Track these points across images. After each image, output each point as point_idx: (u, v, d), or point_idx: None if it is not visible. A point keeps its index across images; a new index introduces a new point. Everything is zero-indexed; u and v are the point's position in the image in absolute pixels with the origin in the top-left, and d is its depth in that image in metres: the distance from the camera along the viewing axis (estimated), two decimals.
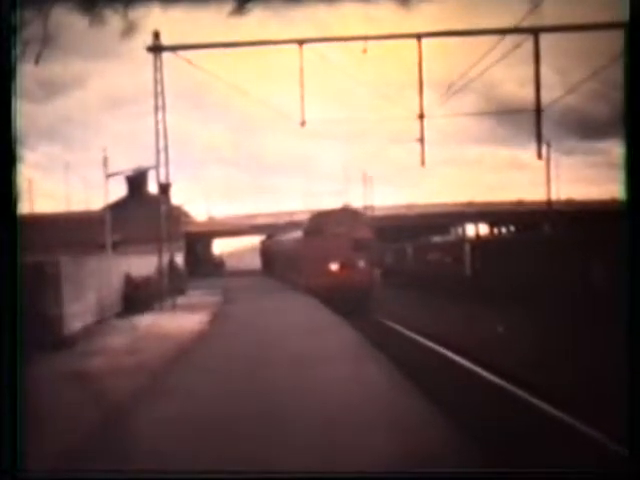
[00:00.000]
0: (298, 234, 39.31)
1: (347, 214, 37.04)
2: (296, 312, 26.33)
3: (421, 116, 28.33)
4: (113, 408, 10.91)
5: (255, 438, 8.96)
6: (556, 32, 28.76)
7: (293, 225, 51.19)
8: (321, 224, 35.86)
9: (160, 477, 7.62)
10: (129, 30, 16.34)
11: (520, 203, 65.18)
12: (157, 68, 28.42)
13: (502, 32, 27.23)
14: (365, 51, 27.29)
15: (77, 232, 38.99)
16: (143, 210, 37.98)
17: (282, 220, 63.33)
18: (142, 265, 29.09)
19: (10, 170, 7.39)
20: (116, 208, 40.88)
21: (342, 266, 34.65)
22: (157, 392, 12.13)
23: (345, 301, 31.24)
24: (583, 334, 20.73)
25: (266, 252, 67.08)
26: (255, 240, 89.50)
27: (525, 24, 26.16)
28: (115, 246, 35.14)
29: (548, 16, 25.98)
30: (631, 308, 6.93)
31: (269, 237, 65.77)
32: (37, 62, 20.45)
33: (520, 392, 14.37)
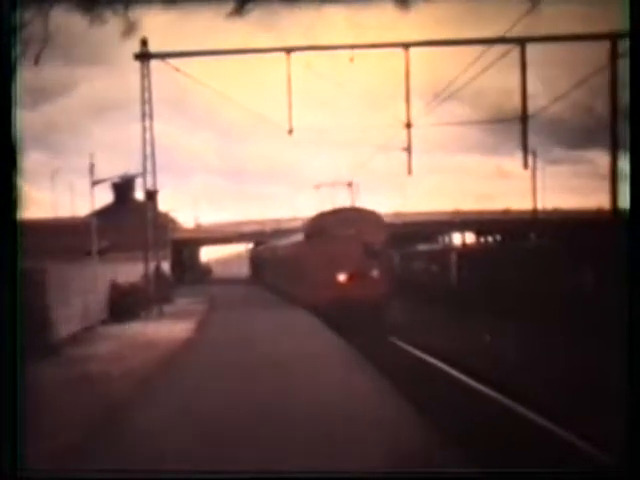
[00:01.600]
0: (297, 238, 33.87)
1: (357, 213, 30.74)
2: (293, 339, 20.27)
3: (408, 125, 28.40)
4: (99, 416, 10.85)
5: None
6: (542, 42, 28.93)
7: (280, 232, 51.16)
8: (326, 225, 29.70)
9: (160, 477, 7.65)
10: (129, 31, 16.36)
11: (506, 212, 65.41)
12: (144, 75, 28.39)
13: (489, 42, 27.34)
14: (352, 60, 27.35)
15: (63, 239, 38.83)
16: (130, 217, 37.91)
17: (269, 227, 63.32)
18: (129, 272, 29.00)
19: (10, 173, 7.39)
20: (103, 215, 40.83)
21: (351, 276, 28.76)
22: (141, 402, 12.07)
23: (354, 319, 26.52)
24: (570, 341, 20.83)
25: (257, 259, 63.75)
26: (242, 247, 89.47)
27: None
28: (102, 253, 35.05)
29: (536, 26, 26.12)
30: (630, 315, 6.96)
31: (260, 243, 64.15)
32: (37, 62, 20.49)
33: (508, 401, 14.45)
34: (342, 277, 28.79)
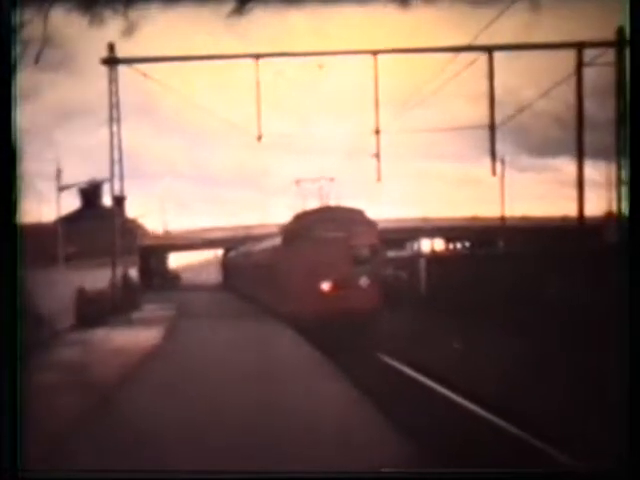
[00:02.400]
0: (275, 242, 29.81)
1: (344, 213, 26.80)
2: (268, 352, 19.03)
3: (377, 131, 28.50)
4: (63, 424, 10.71)
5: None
6: (510, 50, 29.19)
7: (250, 239, 50.96)
8: (308, 226, 26.01)
9: (160, 477, 7.62)
10: (129, 31, 16.28)
11: (475, 219, 65.72)
12: (112, 80, 28.22)
13: (457, 50, 27.54)
14: (321, 67, 27.43)
15: (28, 245, 38.34)
16: (97, 223, 37.56)
17: (239, 233, 63.05)
18: (96, 279, 28.74)
19: (10, 176, 7.36)
20: (69, 221, 40.40)
21: (337, 285, 25.26)
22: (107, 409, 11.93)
23: (339, 334, 23.46)
24: (537, 346, 20.99)
25: (230, 265, 60.62)
26: (211, 254, 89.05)
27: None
28: (68, 259, 34.70)
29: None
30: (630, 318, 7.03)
31: (232, 248, 63.06)
32: (37, 62, 20.38)
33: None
34: (326, 286, 25.32)
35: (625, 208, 29.53)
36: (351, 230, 25.66)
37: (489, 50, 27.77)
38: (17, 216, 7.60)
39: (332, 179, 36.45)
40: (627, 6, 7.30)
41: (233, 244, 62.16)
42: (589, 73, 29.11)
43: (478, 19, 23.17)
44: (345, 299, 24.76)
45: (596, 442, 11.09)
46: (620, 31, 28.44)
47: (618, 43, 28.53)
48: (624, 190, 29.49)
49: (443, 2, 15.95)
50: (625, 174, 29.43)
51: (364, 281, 25.53)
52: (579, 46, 28.67)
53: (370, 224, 26.60)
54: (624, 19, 7.32)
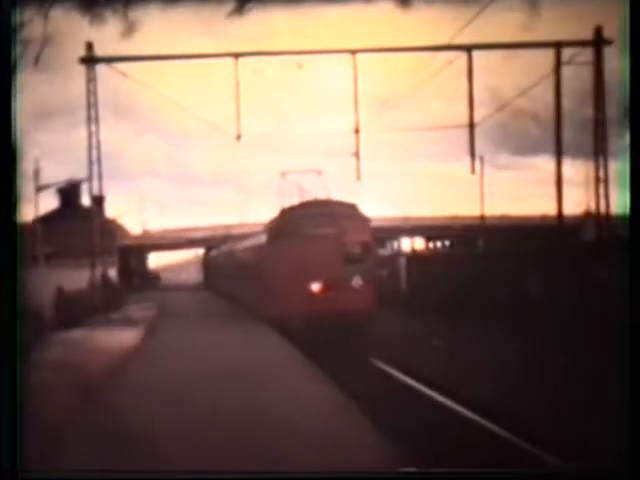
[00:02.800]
0: (259, 239, 27.99)
1: (335, 207, 24.66)
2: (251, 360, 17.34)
3: (357, 131, 28.53)
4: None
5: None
6: (489, 49, 29.31)
7: (230, 238, 50.85)
8: (296, 222, 24.01)
9: (160, 477, 7.61)
10: (129, 31, 16.22)
11: (455, 218, 65.96)
12: (90, 79, 28.06)
13: (436, 49, 27.63)
14: (300, 66, 27.43)
15: None
16: (76, 223, 37.36)
17: (219, 233, 62.91)
18: (75, 279, 28.58)
19: (10, 175, 7.35)
20: (48, 221, 40.11)
21: (328, 286, 23.35)
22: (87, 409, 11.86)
23: (330, 339, 21.66)
24: (518, 344, 21.13)
25: (211, 264, 59.09)
26: (191, 253, 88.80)
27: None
28: (47, 259, 34.46)
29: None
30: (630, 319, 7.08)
31: (213, 247, 62.24)
32: (37, 62, 20.30)
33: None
34: (316, 287, 23.42)
35: (605, 206, 29.79)
36: (342, 226, 23.70)
37: (468, 49, 27.88)
38: (17, 215, 7.62)
39: (319, 172, 34.01)
40: (627, 6, 7.35)
41: (213, 243, 62.04)
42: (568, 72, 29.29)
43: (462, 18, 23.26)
44: (336, 301, 22.86)
45: (578, 439, 11.23)
46: (598, 30, 28.65)
47: (596, 42, 28.73)
48: (602, 188, 29.70)
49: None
50: (603, 172, 29.66)
51: (357, 281, 23.57)
52: (557, 45, 28.82)
53: (363, 219, 24.74)
54: (623, 19, 7.36)
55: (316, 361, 17.42)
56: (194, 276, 77.43)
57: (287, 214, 25.13)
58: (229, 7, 12.97)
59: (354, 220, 24.25)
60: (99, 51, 27.84)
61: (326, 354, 18.88)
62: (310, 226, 23.75)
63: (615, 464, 7.31)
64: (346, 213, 24.27)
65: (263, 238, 26.48)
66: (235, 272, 36.94)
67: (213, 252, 58.93)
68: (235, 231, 54.84)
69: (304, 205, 25.51)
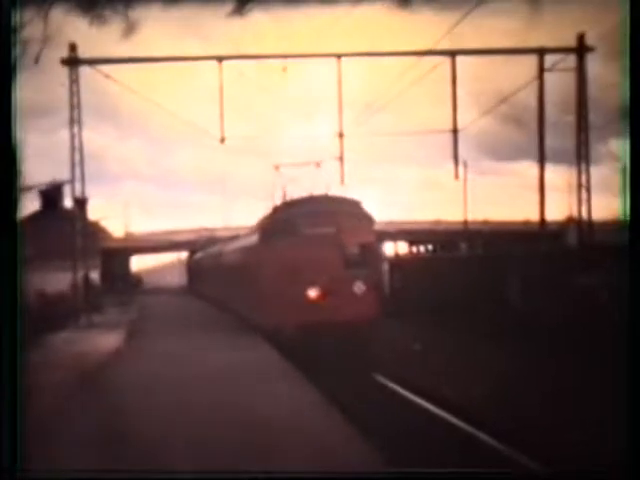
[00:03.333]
0: (250, 240, 25.52)
1: (336, 204, 22.36)
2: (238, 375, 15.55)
3: (340, 135, 28.54)
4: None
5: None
6: (472, 55, 29.42)
7: (213, 241, 50.71)
8: (292, 220, 21.64)
9: (160, 477, 7.65)
10: (129, 31, 16.17)
11: (438, 222, 66.17)
12: (73, 81, 27.92)
13: (420, 54, 27.69)
14: (285, 69, 27.42)
15: None
16: (58, 225, 37.18)
17: (202, 236, 62.78)
18: (56, 281, 28.42)
19: (10, 174, 7.33)
20: (29, 222, 39.90)
21: (327, 292, 20.97)
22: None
23: (329, 352, 19.72)
24: (498, 347, 21.24)
25: (196, 268, 56.02)
26: (174, 256, 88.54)
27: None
28: (28, 261, 34.26)
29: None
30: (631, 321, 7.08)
31: (196, 250, 59.82)
32: (37, 62, 20.22)
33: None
34: (313, 293, 21.06)
35: (587, 212, 29.97)
36: (343, 225, 21.33)
37: (452, 54, 27.98)
38: (17, 214, 7.62)
39: (318, 164, 30.90)
40: (627, 6, 7.39)
41: (196, 246, 61.87)
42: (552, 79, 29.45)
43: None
44: (336, 309, 20.54)
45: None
46: (580, 37, 28.84)
47: (579, 49, 28.91)
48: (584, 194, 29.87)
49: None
50: (585, 178, 29.83)
51: (359, 287, 21.13)
52: (540, 52, 28.99)
53: (366, 218, 22.32)
54: (623, 19, 7.39)
55: (313, 379, 15.26)
56: (177, 279, 77.11)
57: (281, 211, 22.60)
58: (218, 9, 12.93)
59: (356, 219, 21.83)
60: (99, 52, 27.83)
61: (326, 371, 17.18)
62: (307, 225, 21.38)
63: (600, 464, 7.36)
64: (347, 211, 21.93)
65: (254, 238, 24.07)
66: (222, 276, 34.62)
67: (198, 254, 56.10)
68: (219, 234, 54.78)
69: (300, 201, 22.73)
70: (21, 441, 7.22)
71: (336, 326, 20.26)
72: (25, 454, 7.99)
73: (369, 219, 22.31)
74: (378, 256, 24.51)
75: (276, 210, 23.09)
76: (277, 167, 32.51)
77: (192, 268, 61.65)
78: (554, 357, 18.77)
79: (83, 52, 27.70)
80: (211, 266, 40.99)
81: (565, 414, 13.22)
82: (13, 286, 7.38)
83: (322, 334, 20.14)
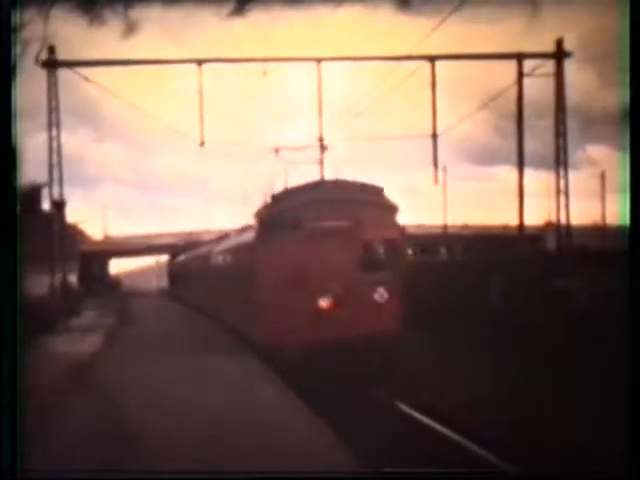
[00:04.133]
0: (245, 237, 21.42)
1: (352, 191, 17.81)
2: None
3: (320, 139, 28.52)
4: None
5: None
6: (452, 59, 29.52)
7: (192, 245, 50.51)
8: (296, 213, 17.31)
9: (160, 477, 7.67)
10: (129, 31, 16.12)
11: (418, 227, 66.39)
12: (51, 83, 27.75)
13: (399, 59, 27.75)
14: (265, 73, 27.38)
15: None
16: (36, 228, 36.91)
17: (181, 240, 62.62)
18: (33, 284, 28.17)
19: (10, 174, 7.31)
20: None
21: (340, 301, 16.82)
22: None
23: (342, 377, 15.90)
24: (480, 352, 21.30)
25: (178, 271, 51.43)
26: (152, 260, 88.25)
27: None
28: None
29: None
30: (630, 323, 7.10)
31: (177, 254, 57.71)
32: (37, 61, 20.03)
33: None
34: (324, 303, 16.90)
35: (566, 217, 30.14)
36: (361, 217, 17.09)
37: (431, 59, 28.04)
38: (17, 214, 7.61)
39: (326, 147, 26.45)
40: (627, 6, 7.43)
41: (176, 250, 61.63)
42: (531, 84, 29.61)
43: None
44: (352, 322, 16.50)
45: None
46: (559, 43, 29.02)
47: (557, 54, 29.08)
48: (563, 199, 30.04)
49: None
50: (563, 183, 30.00)
51: (381, 294, 17.18)
52: (519, 57, 29.14)
53: (389, 208, 18.09)
54: (623, 18, 7.43)
55: (323, 413, 12.20)
56: (155, 283, 76.84)
57: (284, 200, 17.95)
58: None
59: (377, 209, 17.57)
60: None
61: (338, 401, 14.15)
62: (316, 217, 17.08)
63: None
64: (366, 199, 17.54)
65: (250, 235, 19.91)
66: (210, 280, 29.71)
67: (181, 256, 51.98)
68: (199, 238, 54.59)
69: (307, 188, 18.24)
70: (21, 441, 7.21)
71: (352, 344, 16.35)
72: None
73: (393, 209, 18.11)
74: (403, 255, 20.10)
75: (277, 199, 18.26)
76: (277, 150, 28.91)
77: (174, 271, 57.07)
78: (526, 360, 18.64)
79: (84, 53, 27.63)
80: (197, 269, 36.02)
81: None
82: (13, 286, 7.37)
83: (334, 354, 16.18)
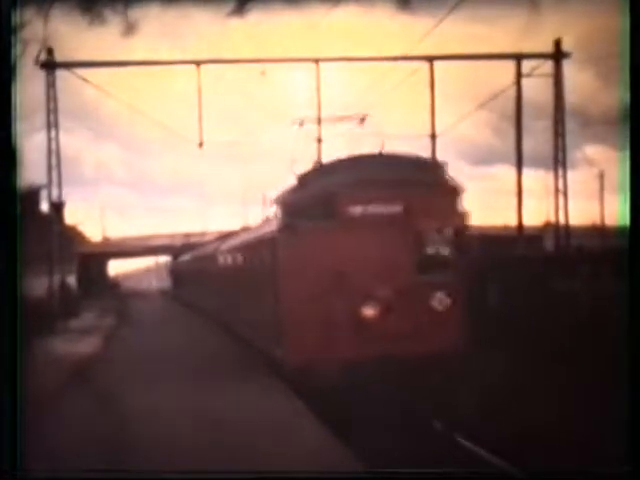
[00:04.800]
0: (266, 229, 17.13)
1: (403, 167, 14.39)
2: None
3: (319, 140, 28.45)
4: None
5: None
6: (450, 60, 29.49)
7: (190, 247, 50.41)
8: (331, 196, 13.85)
9: (160, 477, 7.66)
10: (129, 31, 16.13)
11: None
12: (50, 84, 27.70)
13: (398, 59, 27.73)
14: (263, 73, 27.35)
15: None
16: (34, 229, 36.86)
17: (179, 241, 62.61)
18: (32, 286, 28.12)
19: (10, 173, 7.32)
20: None
21: (390, 309, 13.59)
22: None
23: (391, 406, 12.68)
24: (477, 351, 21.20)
25: (182, 271, 48.77)
26: (151, 261, 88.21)
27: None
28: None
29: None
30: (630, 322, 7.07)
31: (177, 255, 56.74)
32: (36, 62, 20.03)
33: None
34: (370, 312, 13.50)
35: (565, 217, 30.13)
36: (416, 201, 13.61)
37: (430, 60, 28.02)
38: (17, 214, 7.63)
39: (363, 118, 22.00)
40: (626, 6, 7.42)
41: (174, 251, 61.58)
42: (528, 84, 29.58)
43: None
44: (405, 336, 13.24)
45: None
46: (557, 43, 29.00)
47: (556, 55, 29.06)
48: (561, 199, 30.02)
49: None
50: (562, 183, 29.99)
51: (441, 300, 13.86)
52: (518, 57, 29.11)
53: (452, 191, 14.19)
54: (623, 18, 7.42)
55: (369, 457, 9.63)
56: (154, 283, 76.76)
57: (314, 181, 14.25)
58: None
59: (436, 191, 13.93)
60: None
61: (389, 439, 11.43)
62: (357, 202, 13.59)
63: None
64: (422, 179, 13.98)
65: (271, 227, 15.82)
66: (220, 282, 26.00)
67: (184, 256, 49.05)
68: (196, 239, 54.54)
69: (345, 164, 14.31)
70: (21, 442, 7.21)
71: (404, 363, 13.11)
72: None
73: (456, 191, 14.19)
74: (468, 251, 15.81)
75: (305, 179, 14.40)
76: (301, 122, 24.72)
77: (177, 271, 54.33)
78: (523, 359, 18.40)
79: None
80: (202, 270, 32.56)
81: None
82: (13, 286, 7.37)
83: (381, 376, 12.89)
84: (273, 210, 16.35)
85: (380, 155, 14.58)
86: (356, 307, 13.40)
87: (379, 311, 13.49)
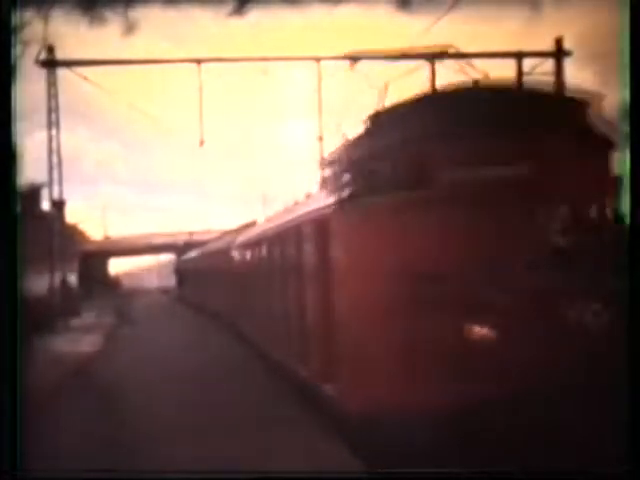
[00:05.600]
0: (313, 206, 11.59)
1: (519, 105, 8.74)
2: None
3: (320, 139, 28.45)
4: None
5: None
6: (450, 58, 29.42)
7: (192, 245, 50.39)
8: (423, 154, 8.47)
9: (160, 477, 7.65)
10: (129, 30, 16.11)
11: None
12: (51, 83, 27.70)
13: (398, 57, 27.64)
14: (265, 72, 27.33)
15: None
16: (35, 228, 36.88)
17: (181, 239, 62.64)
18: (33, 284, 28.13)
19: (10, 173, 7.35)
20: None
21: (508, 327, 8.25)
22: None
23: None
24: None
25: (190, 269, 44.59)
26: (152, 260, 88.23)
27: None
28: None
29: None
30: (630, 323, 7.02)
31: (183, 253, 54.45)
32: (37, 62, 20.04)
33: None
34: (480, 331, 8.43)
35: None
36: (547, 161, 8.60)
37: (430, 58, 27.93)
38: (17, 214, 7.66)
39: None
40: (627, 5, 7.40)
41: (175, 249, 61.63)
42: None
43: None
44: (535, 366, 8.23)
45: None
46: (558, 42, 28.95)
47: (556, 53, 29.01)
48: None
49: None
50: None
51: (593, 314, 8.67)
52: (518, 56, 29.04)
53: (601, 143, 9.03)
54: (623, 17, 7.39)
55: None
56: (155, 282, 76.71)
57: (390, 129, 9.14)
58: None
59: (578, 144, 8.80)
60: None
61: None
62: (459, 161, 8.65)
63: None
64: (555, 124, 8.80)
65: (323, 203, 10.60)
66: (241, 281, 20.73)
67: (193, 252, 44.88)
68: (199, 238, 54.53)
69: (437, 103, 9.36)
70: (21, 442, 7.22)
71: (535, 406, 8.16)
72: None
73: (605, 145, 9.10)
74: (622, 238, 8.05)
75: (377, 125, 9.49)
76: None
77: (183, 269, 50.49)
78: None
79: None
80: (217, 266, 27.58)
81: None
82: (13, 286, 7.39)
83: (500, 429, 7.97)
84: (320, 180, 11.82)
85: (489, 88, 9.78)
86: (457, 323, 8.47)
87: (492, 329, 8.57)
